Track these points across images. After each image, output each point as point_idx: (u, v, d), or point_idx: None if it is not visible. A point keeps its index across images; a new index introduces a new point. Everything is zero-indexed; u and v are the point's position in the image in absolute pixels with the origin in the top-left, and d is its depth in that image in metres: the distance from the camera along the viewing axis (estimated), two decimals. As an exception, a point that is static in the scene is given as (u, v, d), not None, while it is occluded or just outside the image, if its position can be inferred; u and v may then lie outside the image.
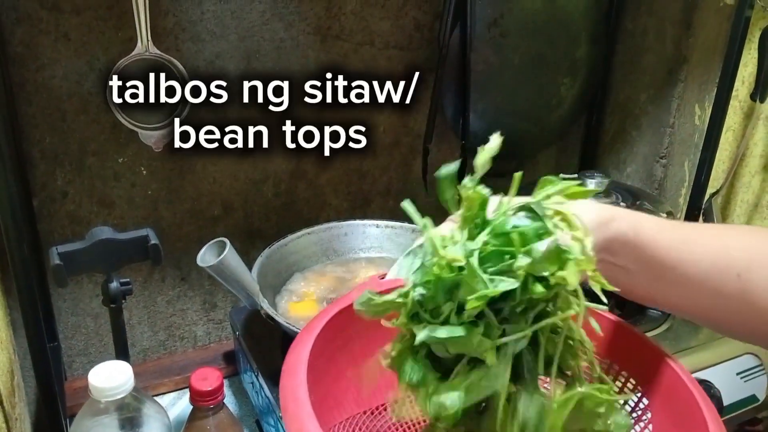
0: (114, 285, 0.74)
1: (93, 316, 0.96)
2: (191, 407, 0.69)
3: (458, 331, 0.40)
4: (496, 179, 1.28)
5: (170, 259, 0.98)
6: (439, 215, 1.02)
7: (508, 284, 0.39)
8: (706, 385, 0.87)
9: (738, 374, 0.92)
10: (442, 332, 0.40)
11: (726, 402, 0.89)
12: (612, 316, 0.62)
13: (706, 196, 1.14)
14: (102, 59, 0.84)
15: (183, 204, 0.96)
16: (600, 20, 1.15)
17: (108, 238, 0.72)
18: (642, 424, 0.59)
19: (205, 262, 0.74)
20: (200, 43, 0.89)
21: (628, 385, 0.60)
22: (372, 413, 0.62)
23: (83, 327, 0.96)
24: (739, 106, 1.14)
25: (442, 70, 0.99)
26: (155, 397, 0.77)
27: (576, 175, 1.06)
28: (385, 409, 0.63)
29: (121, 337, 0.77)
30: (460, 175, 1.09)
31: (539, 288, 0.40)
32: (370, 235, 0.99)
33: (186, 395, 0.94)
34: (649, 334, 0.96)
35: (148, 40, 0.79)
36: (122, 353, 0.78)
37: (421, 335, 0.41)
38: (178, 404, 0.94)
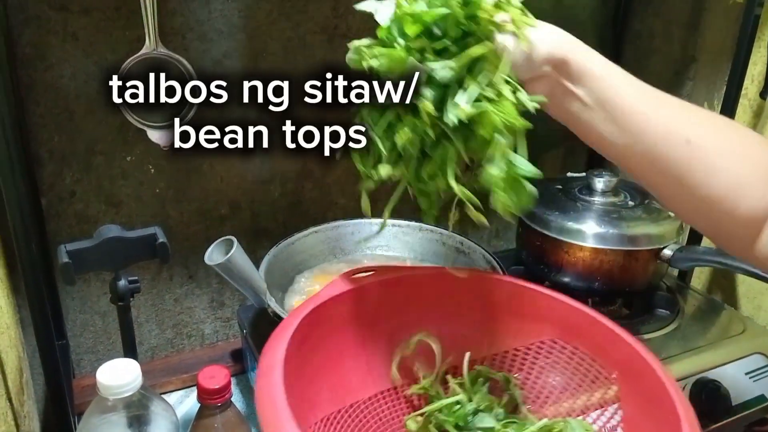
0: (122, 283, 0.74)
1: (101, 314, 0.96)
2: (199, 405, 0.70)
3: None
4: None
5: (178, 257, 0.98)
6: (445, 214, 1.02)
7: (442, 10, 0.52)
8: (715, 385, 0.87)
9: (747, 374, 0.92)
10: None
11: (735, 402, 0.88)
12: (590, 311, 0.65)
13: (715, 196, 1.13)
14: (110, 59, 0.84)
15: (190, 203, 0.97)
16: (607, 21, 1.15)
17: (116, 236, 0.72)
18: (612, 410, 0.60)
19: (213, 260, 0.75)
20: (208, 42, 0.89)
21: (599, 373, 0.62)
22: (347, 411, 0.62)
23: (91, 325, 0.96)
24: (749, 105, 1.13)
25: (449, 69, 0.99)
26: (163, 395, 0.77)
27: (584, 174, 1.06)
28: (360, 407, 0.63)
29: (129, 335, 0.78)
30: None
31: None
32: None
33: (193, 393, 0.94)
34: (656, 334, 0.96)
35: (156, 40, 0.79)
36: (130, 351, 0.78)
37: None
38: (185, 402, 0.94)
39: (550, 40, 0.57)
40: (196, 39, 0.88)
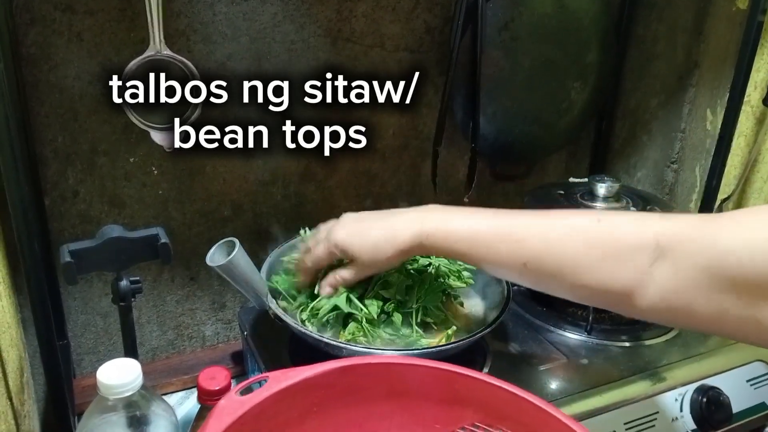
0: (124, 283, 0.74)
1: (102, 314, 0.96)
2: (199, 406, 0.70)
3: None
4: (506, 183, 1.28)
5: (180, 259, 0.98)
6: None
7: None
8: (716, 392, 0.87)
9: (748, 381, 0.92)
10: None
11: (735, 409, 0.88)
12: (516, 389, 0.59)
13: (717, 202, 1.13)
14: (114, 60, 0.84)
15: (193, 204, 0.97)
16: (611, 26, 1.15)
17: (118, 236, 0.72)
18: None
19: (215, 261, 0.75)
20: (212, 44, 0.90)
21: None
22: None
23: (93, 325, 0.97)
24: (752, 112, 1.13)
25: (452, 73, 0.99)
26: (163, 396, 0.77)
27: (586, 179, 1.06)
28: None
29: (130, 335, 0.78)
30: (470, 178, 1.10)
31: None
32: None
33: (194, 395, 0.94)
34: (657, 341, 0.96)
35: (160, 42, 0.79)
36: (131, 352, 0.78)
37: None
38: (185, 403, 0.94)
39: (384, 240, 0.75)
40: (200, 41, 0.89)
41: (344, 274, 0.77)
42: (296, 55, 0.95)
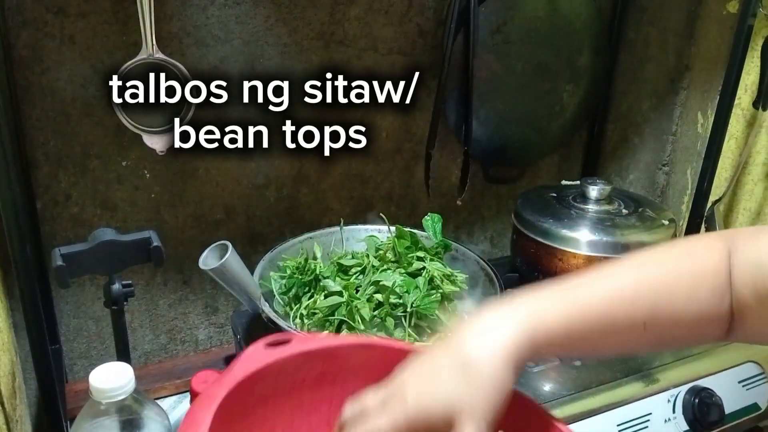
0: (116, 287, 0.74)
1: (95, 319, 0.96)
2: (192, 410, 0.69)
3: None
4: (499, 186, 1.28)
5: (172, 262, 0.98)
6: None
7: None
8: (708, 393, 0.87)
9: (740, 382, 0.92)
10: None
11: (728, 410, 0.88)
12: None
13: (709, 204, 1.14)
14: (106, 63, 0.84)
15: (186, 207, 0.97)
16: (602, 29, 1.16)
17: (110, 239, 0.72)
18: None
19: (207, 265, 0.75)
20: (204, 47, 0.90)
21: None
22: None
23: (85, 330, 0.96)
24: (742, 114, 1.14)
25: (445, 76, 1.00)
26: (156, 401, 0.77)
27: (578, 182, 1.06)
28: None
29: (122, 339, 0.77)
30: (463, 181, 1.09)
31: None
32: (372, 241, 0.99)
33: (187, 399, 0.94)
34: (650, 342, 0.96)
35: (152, 45, 0.79)
36: (123, 356, 0.78)
37: None
38: (179, 408, 0.94)
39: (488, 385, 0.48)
40: (192, 44, 0.89)
41: None
42: (289, 58, 0.95)
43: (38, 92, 0.83)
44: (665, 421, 0.86)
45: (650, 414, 0.85)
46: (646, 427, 0.84)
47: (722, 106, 1.06)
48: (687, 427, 0.86)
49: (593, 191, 1.02)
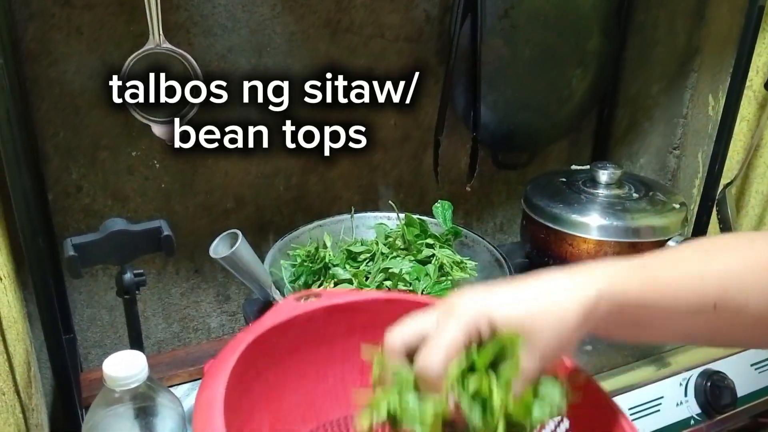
0: (128, 276, 0.75)
1: (108, 308, 0.97)
2: (205, 398, 0.70)
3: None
4: (508, 172, 1.28)
5: (184, 251, 0.99)
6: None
7: None
8: (720, 376, 0.87)
9: (752, 365, 0.92)
10: None
11: (740, 393, 0.88)
12: None
13: (720, 187, 1.13)
14: (114, 54, 0.84)
15: (196, 197, 0.97)
16: (611, 12, 1.15)
17: (121, 229, 0.72)
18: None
19: (218, 253, 0.75)
20: (212, 37, 0.90)
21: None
22: None
23: (98, 319, 0.97)
24: (753, 96, 1.13)
25: (452, 62, 0.99)
26: (170, 388, 0.78)
27: (588, 167, 1.06)
28: None
29: (135, 327, 0.78)
30: (472, 167, 1.09)
31: None
32: (382, 228, 0.99)
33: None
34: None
35: (159, 35, 0.79)
36: (137, 344, 0.78)
37: None
38: (192, 395, 0.94)
39: (558, 306, 0.48)
40: (200, 34, 0.89)
41: (525, 363, 0.46)
42: (296, 46, 0.95)
43: (47, 85, 0.83)
44: (677, 404, 0.86)
45: (662, 397, 0.85)
46: (658, 410, 0.84)
47: (733, 88, 1.05)
48: (699, 411, 0.86)
49: (603, 176, 1.01)
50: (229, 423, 0.44)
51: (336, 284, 0.84)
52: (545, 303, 0.47)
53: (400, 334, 0.48)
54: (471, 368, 0.45)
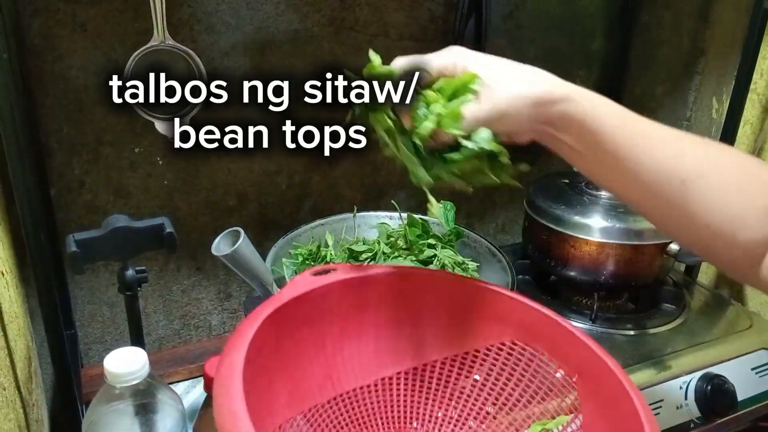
0: (130, 273, 0.75)
1: (109, 304, 0.97)
2: (205, 395, 0.70)
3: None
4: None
5: (185, 249, 0.99)
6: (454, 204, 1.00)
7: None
8: (720, 380, 0.87)
9: (753, 369, 0.92)
10: None
11: (740, 397, 0.88)
12: (549, 312, 0.64)
13: (723, 190, 1.12)
14: (118, 50, 0.84)
15: (198, 194, 0.97)
16: (616, 13, 1.14)
17: (124, 225, 0.73)
18: (572, 416, 0.60)
19: (220, 251, 0.75)
20: (216, 34, 0.90)
21: (558, 379, 0.61)
22: (305, 416, 0.60)
23: (99, 315, 0.97)
24: (758, 100, 1.13)
25: (456, 62, 0.99)
26: (170, 385, 0.78)
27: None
28: (318, 411, 0.61)
29: (136, 324, 0.78)
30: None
31: None
32: (384, 227, 0.99)
33: (200, 383, 0.95)
34: (662, 329, 0.96)
35: (164, 32, 0.79)
36: (137, 341, 0.79)
37: None
38: (192, 392, 0.94)
39: (528, 80, 0.57)
40: (203, 31, 0.89)
41: (472, 108, 0.57)
42: (300, 44, 0.95)
43: (51, 80, 0.83)
44: (677, 407, 0.86)
45: (662, 401, 0.85)
46: (658, 413, 0.84)
47: (737, 91, 1.04)
48: (699, 414, 0.86)
49: (606, 177, 1.01)
50: (248, 392, 0.45)
51: None
52: (515, 72, 0.58)
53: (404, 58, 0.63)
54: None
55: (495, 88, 0.56)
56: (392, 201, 0.98)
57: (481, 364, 0.68)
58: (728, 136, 1.07)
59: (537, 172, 1.20)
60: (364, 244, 0.92)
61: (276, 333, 0.56)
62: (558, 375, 0.63)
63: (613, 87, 1.22)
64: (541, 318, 0.65)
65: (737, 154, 0.59)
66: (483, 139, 0.58)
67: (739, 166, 0.56)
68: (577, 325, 0.94)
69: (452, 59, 0.60)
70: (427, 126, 0.60)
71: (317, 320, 0.62)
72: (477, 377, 0.68)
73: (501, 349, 0.67)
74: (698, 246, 0.57)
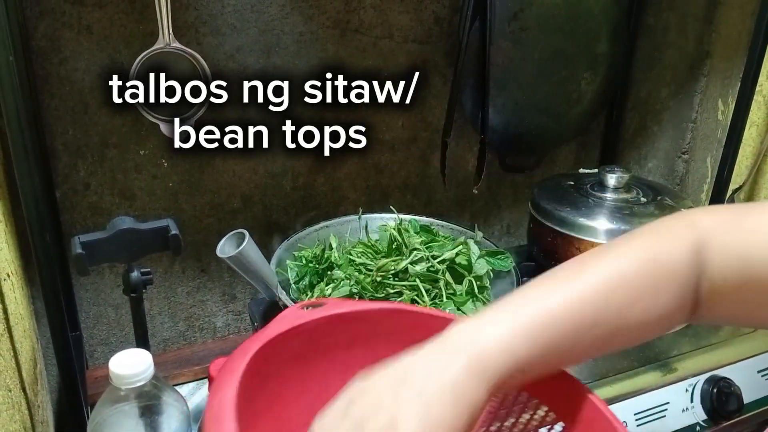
0: (135, 274, 0.75)
1: (114, 306, 0.97)
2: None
3: None
4: (516, 175, 1.27)
5: (190, 250, 0.99)
6: (456, 210, 1.02)
7: None
8: (726, 383, 0.87)
9: (759, 372, 0.91)
10: None
11: (746, 400, 0.88)
12: None
13: (729, 192, 1.13)
14: (124, 53, 0.85)
15: (203, 196, 0.97)
16: (621, 15, 1.14)
17: (129, 227, 0.73)
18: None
19: (225, 253, 0.75)
20: (221, 36, 0.90)
21: (548, 418, 0.58)
22: None
23: (105, 317, 0.97)
24: (764, 101, 1.12)
25: (461, 64, 0.99)
26: (175, 387, 0.78)
27: (596, 170, 1.05)
28: None
29: (141, 326, 0.78)
30: (479, 169, 1.09)
31: None
32: (388, 229, 0.99)
33: (205, 385, 0.95)
34: (668, 331, 0.95)
35: (169, 34, 0.79)
36: (142, 342, 0.79)
37: None
38: (197, 394, 0.95)
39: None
40: (209, 33, 0.89)
41: None
42: (305, 46, 0.95)
43: (56, 82, 0.84)
44: (683, 410, 0.85)
45: (668, 403, 0.85)
46: (664, 416, 0.84)
47: (743, 92, 1.04)
48: (705, 417, 0.86)
49: (611, 179, 1.01)
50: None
51: (335, 287, 0.84)
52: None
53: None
54: None
55: None
56: (391, 206, 0.98)
57: None
58: (734, 138, 1.07)
59: (542, 173, 1.20)
60: (365, 246, 0.91)
61: (262, 370, 0.54)
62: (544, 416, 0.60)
63: (618, 89, 1.22)
64: None
65: (635, 262, 0.53)
66: None
67: (638, 275, 0.52)
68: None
69: None
70: None
71: (304, 356, 0.60)
72: None
73: None
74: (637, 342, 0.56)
